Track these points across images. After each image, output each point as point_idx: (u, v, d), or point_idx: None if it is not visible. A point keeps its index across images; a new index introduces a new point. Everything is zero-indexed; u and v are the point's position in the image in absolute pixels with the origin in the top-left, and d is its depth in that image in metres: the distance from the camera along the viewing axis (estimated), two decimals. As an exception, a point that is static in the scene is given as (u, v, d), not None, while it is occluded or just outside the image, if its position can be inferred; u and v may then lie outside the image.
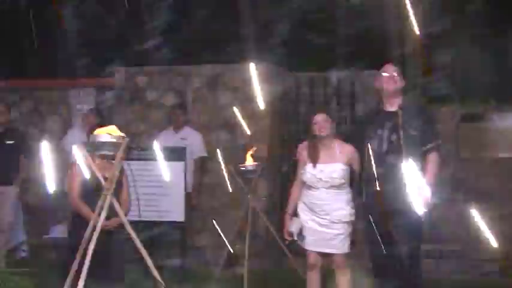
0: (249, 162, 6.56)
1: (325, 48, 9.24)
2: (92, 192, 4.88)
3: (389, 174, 4.79)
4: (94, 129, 5.34)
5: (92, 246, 4.32)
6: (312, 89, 8.25)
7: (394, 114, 4.92)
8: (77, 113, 8.67)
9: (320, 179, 5.08)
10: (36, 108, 8.98)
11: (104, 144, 4.60)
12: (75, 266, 4.40)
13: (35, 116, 8.98)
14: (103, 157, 4.75)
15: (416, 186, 4.49)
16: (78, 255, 4.42)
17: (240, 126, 7.92)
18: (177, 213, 6.97)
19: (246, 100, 7.97)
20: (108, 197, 4.53)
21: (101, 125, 5.12)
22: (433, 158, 4.83)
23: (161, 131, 7.87)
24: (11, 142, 7.48)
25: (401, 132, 4.82)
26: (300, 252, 5.70)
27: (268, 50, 9.01)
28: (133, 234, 4.52)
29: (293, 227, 5.22)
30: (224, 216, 7.59)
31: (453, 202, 9.01)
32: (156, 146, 6.46)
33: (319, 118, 5.13)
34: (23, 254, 7.87)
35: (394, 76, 4.97)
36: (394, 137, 4.83)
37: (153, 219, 6.77)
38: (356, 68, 8.24)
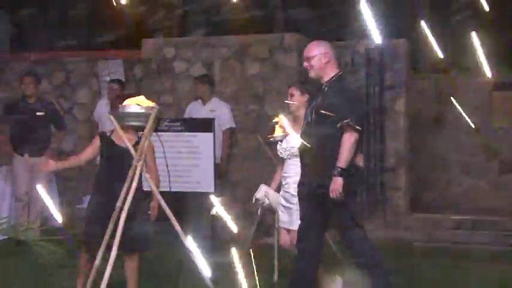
0: (278, 133, 6.54)
1: (351, 17, 9.12)
2: (117, 162, 4.90)
3: (304, 155, 4.71)
4: (119, 100, 5.36)
5: (123, 216, 4.38)
6: (340, 59, 8.17)
7: (320, 92, 4.79)
8: (105, 85, 8.74)
9: (285, 149, 5.11)
10: (66, 80, 9.07)
11: (132, 114, 4.61)
12: (105, 237, 4.47)
13: (66, 88, 9.07)
14: (130, 128, 4.78)
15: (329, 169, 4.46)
16: (110, 225, 4.49)
17: (269, 97, 7.93)
18: (206, 184, 7.01)
19: (274, 71, 7.95)
20: (138, 167, 4.56)
21: (128, 96, 5.15)
22: (344, 138, 4.52)
23: (189, 103, 7.89)
24: (41, 114, 7.57)
25: (316, 112, 4.65)
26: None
27: (296, 20, 8.94)
28: (164, 205, 4.56)
29: (258, 194, 5.38)
30: (253, 187, 7.61)
31: (486, 172, 8.96)
32: (185, 117, 6.53)
33: (289, 91, 5.15)
34: (56, 223, 8.00)
35: (310, 57, 4.72)
36: (310, 117, 4.70)
37: (183, 190, 6.82)
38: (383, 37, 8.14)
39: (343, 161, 4.45)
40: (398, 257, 6.75)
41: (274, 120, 5.89)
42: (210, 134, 7.10)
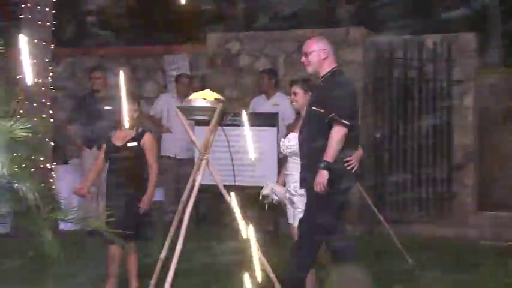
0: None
1: (421, 11, 8.95)
2: (120, 162, 5.15)
3: (301, 151, 4.75)
4: (187, 94, 5.42)
5: (189, 208, 4.43)
6: (406, 53, 8.03)
7: (316, 88, 4.81)
8: (171, 79, 8.84)
9: (286, 146, 5.07)
10: (133, 75, 9.24)
11: (198, 109, 4.65)
12: (173, 227, 4.53)
13: (133, 82, 9.23)
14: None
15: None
16: (177, 216, 4.55)
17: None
18: (270, 178, 7.00)
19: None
20: (204, 162, 4.60)
21: (195, 90, 5.20)
22: (332, 132, 4.49)
23: (253, 97, 7.91)
24: (109, 108, 7.74)
25: (310, 108, 4.67)
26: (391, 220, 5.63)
27: (361, 14, 8.83)
28: (228, 198, 4.58)
29: (264, 190, 5.37)
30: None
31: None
32: (249, 112, 6.50)
33: (292, 89, 5.11)
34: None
35: (308, 52, 4.70)
36: (306, 114, 4.72)
37: (246, 184, 6.84)
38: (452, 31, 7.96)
39: (329, 155, 4.46)
40: (465, 255, 6.62)
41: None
42: (274, 129, 7.11)
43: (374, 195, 7.43)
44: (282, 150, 5.23)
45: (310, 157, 4.60)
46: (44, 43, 7.27)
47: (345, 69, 7.68)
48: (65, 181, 7.76)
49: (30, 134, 3.77)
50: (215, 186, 4.67)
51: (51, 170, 7.22)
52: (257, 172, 7.05)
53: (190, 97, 4.78)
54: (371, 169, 7.65)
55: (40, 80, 7.17)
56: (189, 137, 4.99)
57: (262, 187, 6.98)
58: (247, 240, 4.44)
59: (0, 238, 6.29)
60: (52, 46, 7.38)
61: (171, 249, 4.44)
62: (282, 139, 5.28)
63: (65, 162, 8.42)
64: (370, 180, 7.33)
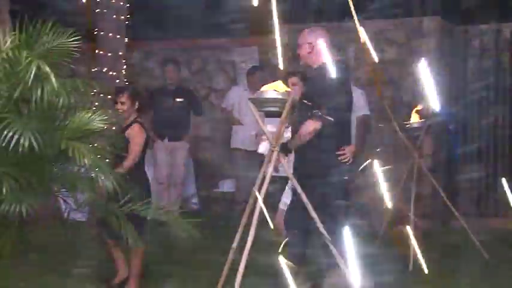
0: (415, 119, 6.37)
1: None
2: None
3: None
4: (258, 86, 5.44)
5: (261, 199, 4.45)
6: (482, 43, 7.82)
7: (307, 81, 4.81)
8: (241, 71, 8.89)
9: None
10: (204, 67, 9.34)
11: (269, 100, 4.66)
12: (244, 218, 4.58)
13: (203, 75, 9.34)
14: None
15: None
16: (248, 207, 4.59)
17: (405, 83, 7.74)
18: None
19: (411, 56, 7.74)
20: (275, 153, 4.61)
21: (266, 82, 5.21)
22: (307, 123, 4.53)
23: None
24: (181, 100, 7.88)
25: (300, 101, 4.64)
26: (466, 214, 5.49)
27: (436, 3, 8.62)
28: (299, 189, 4.58)
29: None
30: (388, 175, 7.48)
31: None
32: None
33: (289, 81, 5.16)
34: (194, 206, 8.32)
35: (299, 44, 4.77)
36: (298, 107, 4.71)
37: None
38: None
39: (294, 141, 4.57)
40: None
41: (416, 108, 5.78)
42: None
43: (449, 188, 7.28)
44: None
45: (301, 150, 4.64)
46: (118, 36, 7.44)
47: (416, 60, 7.61)
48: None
49: (107, 126, 3.92)
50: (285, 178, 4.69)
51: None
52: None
53: (262, 89, 4.79)
54: (443, 161, 7.50)
55: (115, 73, 7.35)
56: (261, 129, 5.01)
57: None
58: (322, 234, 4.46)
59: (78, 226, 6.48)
60: (126, 39, 7.54)
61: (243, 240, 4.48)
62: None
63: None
64: (442, 173, 7.18)
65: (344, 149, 4.69)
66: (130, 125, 5.29)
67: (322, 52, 4.65)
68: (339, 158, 4.68)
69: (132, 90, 5.44)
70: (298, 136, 4.55)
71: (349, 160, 4.70)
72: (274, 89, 4.63)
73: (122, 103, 5.29)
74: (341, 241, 4.42)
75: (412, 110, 6.48)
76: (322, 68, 4.66)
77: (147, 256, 5.27)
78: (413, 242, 5.67)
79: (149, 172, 8.19)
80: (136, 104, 5.35)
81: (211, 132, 9.03)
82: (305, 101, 4.58)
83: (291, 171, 4.75)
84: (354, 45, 8.05)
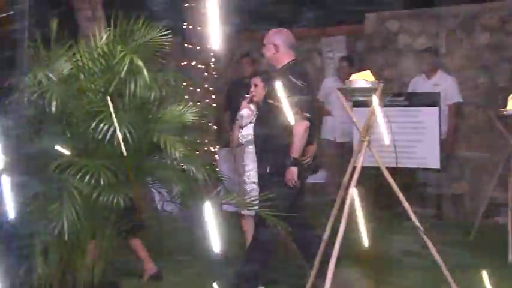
0: (511, 106, 6.12)
1: None
2: None
3: (256, 144, 4.78)
4: (348, 76, 5.36)
5: (351, 190, 4.40)
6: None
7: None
8: (328, 61, 8.81)
9: (243, 136, 5.14)
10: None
11: (358, 90, 4.60)
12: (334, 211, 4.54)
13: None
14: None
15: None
16: (338, 198, 4.55)
17: (499, 69, 7.46)
18: (432, 160, 6.80)
19: (506, 40, 7.45)
20: (365, 143, 4.55)
21: (354, 72, 5.14)
22: (295, 129, 4.41)
23: (412, 77, 7.70)
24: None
25: (264, 100, 4.61)
26: None
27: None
28: (390, 180, 4.51)
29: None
30: (482, 164, 7.26)
31: None
32: (410, 92, 6.34)
33: (252, 81, 5.17)
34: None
35: (264, 44, 4.75)
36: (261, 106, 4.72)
37: (408, 166, 6.69)
38: None
39: (295, 151, 4.53)
40: None
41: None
42: (436, 109, 6.86)
43: None
44: (239, 140, 5.27)
45: (264, 151, 4.64)
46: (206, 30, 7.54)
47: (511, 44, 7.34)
48: (226, 164, 8.01)
49: (197, 119, 3.99)
50: (375, 168, 4.61)
51: (215, 153, 7.49)
52: (418, 153, 6.87)
53: (351, 78, 4.73)
54: None
55: (203, 66, 7.46)
56: (350, 119, 4.95)
57: (424, 169, 6.83)
58: (414, 224, 4.37)
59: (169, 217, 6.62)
60: (215, 32, 7.62)
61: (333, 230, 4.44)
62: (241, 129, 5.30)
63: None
64: None
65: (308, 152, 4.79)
66: None
67: (286, 53, 4.74)
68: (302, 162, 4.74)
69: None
70: (296, 142, 4.54)
71: (309, 161, 4.80)
72: (363, 79, 4.56)
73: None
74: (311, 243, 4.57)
75: (508, 97, 6.23)
76: (286, 69, 4.71)
77: (240, 248, 5.32)
78: (510, 233, 5.48)
79: (224, 168, 8.30)
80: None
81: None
82: (269, 101, 4.57)
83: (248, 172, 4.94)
84: (445, 30, 7.83)
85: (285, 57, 4.75)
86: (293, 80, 4.62)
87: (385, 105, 6.29)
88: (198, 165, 3.72)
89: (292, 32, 7.19)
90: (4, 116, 3.51)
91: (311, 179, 8.68)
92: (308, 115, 4.55)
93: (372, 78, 4.60)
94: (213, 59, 7.65)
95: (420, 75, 7.57)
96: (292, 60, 4.77)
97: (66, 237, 3.29)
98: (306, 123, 4.56)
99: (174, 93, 3.92)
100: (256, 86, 5.16)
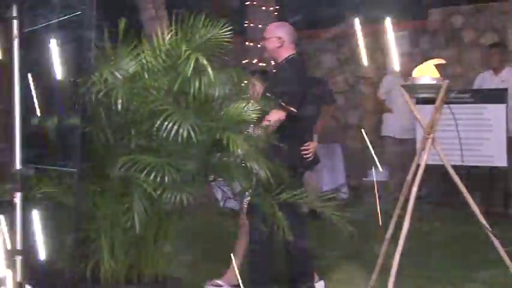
0: None
1: None
2: None
3: None
4: (409, 72, 5.25)
5: (415, 188, 4.33)
6: None
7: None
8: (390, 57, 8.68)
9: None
10: (352, 55, 9.22)
11: (423, 86, 4.52)
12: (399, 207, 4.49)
13: (352, 62, 9.24)
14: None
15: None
16: (401, 196, 4.48)
17: None
18: (499, 158, 6.65)
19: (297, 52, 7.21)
20: (429, 141, 4.47)
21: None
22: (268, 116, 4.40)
23: (478, 73, 7.53)
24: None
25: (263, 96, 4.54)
26: None
27: None
28: (455, 178, 4.42)
29: None
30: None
31: None
32: (475, 89, 6.17)
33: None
34: (344, 196, 8.27)
35: (266, 38, 4.78)
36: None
37: (473, 164, 6.55)
38: None
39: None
40: None
41: None
42: (503, 106, 6.72)
43: None
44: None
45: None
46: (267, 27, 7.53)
47: None
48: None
49: (260, 116, 3.98)
50: (439, 166, 4.52)
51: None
52: (484, 151, 6.72)
53: (414, 74, 4.65)
54: None
55: (264, 64, 7.46)
56: (413, 116, 4.88)
57: (491, 167, 6.66)
58: (481, 224, 4.27)
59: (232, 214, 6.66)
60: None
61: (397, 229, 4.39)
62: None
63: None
64: None
65: (308, 144, 4.75)
66: None
67: (289, 47, 4.74)
68: (302, 154, 4.72)
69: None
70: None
71: (310, 156, 4.75)
72: (427, 75, 4.48)
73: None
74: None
75: None
76: (289, 62, 4.72)
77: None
78: None
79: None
80: None
81: (359, 121, 8.94)
82: (268, 94, 4.54)
83: None
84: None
85: (287, 51, 4.78)
86: (294, 73, 4.71)
87: (450, 102, 6.18)
88: (261, 163, 3.71)
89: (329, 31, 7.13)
90: (71, 114, 3.59)
91: (375, 177, 8.62)
92: (294, 110, 4.53)
93: (437, 75, 4.52)
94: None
95: (486, 71, 7.39)
96: (292, 54, 4.79)
97: (137, 231, 3.34)
98: (281, 114, 4.53)
99: (237, 90, 3.93)
100: (254, 85, 5.15)
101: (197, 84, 3.47)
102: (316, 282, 4.85)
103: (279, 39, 4.78)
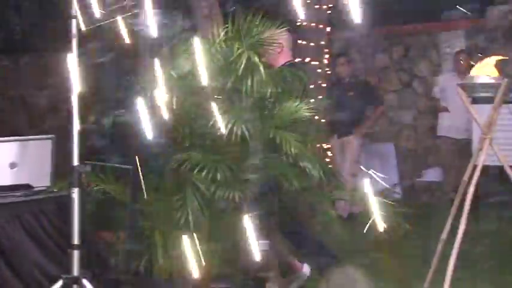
0: None
1: None
2: None
3: None
4: (465, 71, 5.17)
5: (471, 189, 4.25)
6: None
7: None
8: (446, 57, 8.54)
9: None
10: (405, 53, 9.11)
11: (481, 86, 4.42)
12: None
13: (405, 61, 9.11)
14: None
15: None
16: (457, 197, 4.40)
17: None
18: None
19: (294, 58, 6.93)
20: (487, 141, 4.37)
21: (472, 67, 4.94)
22: None
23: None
24: (352, 94, 7.59)
25: None
26: None
27: None
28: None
29: None
30: None
31: None
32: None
33: None
34: (397, 196, 8.16)
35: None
36: None
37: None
38: None
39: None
40: None
41: None
42: None
43: None
44: None
45: None
46: (320, 26, 7.50)
47: None
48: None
49: (313, 115, 3.97)
50: (495, 167, 4.42)
51: (327, 149, 7.41)
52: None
53: (472, 73, 4.55)
54: None
55: (317, 63, 7.41)
56: (470, 116, 4.78)
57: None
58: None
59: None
60: (328, 29, 7.58)
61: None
62: None
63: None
64: None
65: None
66: None
67: (287, 53, 4.70)
68: None
69: None
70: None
71: None
72: (486, 74, 4.38)
73: None
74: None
75: None
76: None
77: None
78: None
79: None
80: None
81: (414, 120, 8.81)
82: None
83: None
84: None
85: (284, 57, 4.70)
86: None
87: (509, 102, 6.03)
88: (314, 162, 3.70)
89: (408, 27, 7.08)
90: (127, 113, 3.66)
91: (424, 177, 8.48)
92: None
93: (496, 74, 4.41)
94: (326, 56, 7.59)
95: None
96: (289, 61, 4.74)
97: (191, 228, 3.38)
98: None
99: (290, 89, 3.92)
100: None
101: (249, 82, 3.48)
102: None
103: (278, 45, 4.63)
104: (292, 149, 3.59)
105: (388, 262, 5.49)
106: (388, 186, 8.06)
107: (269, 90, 3.63)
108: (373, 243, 5.92)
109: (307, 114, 3.87)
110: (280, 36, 4.69)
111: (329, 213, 3.86)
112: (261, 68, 3.47)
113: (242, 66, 3.44)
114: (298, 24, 7.73)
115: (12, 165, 3.98)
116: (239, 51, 3.46)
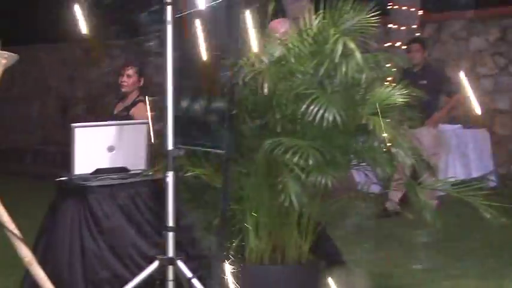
0: None
1: None
2: None
3: None
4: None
5: None
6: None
7: None
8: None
9: None
10: (503, 37, 8.78)
11: None
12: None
13: (502, 45, 8.79)
14: None
15: None
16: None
17: None
18: None
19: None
20: None
21: None
22: None
23: None
24: (424, 82, 7.23)
25: None
26: None
27: None
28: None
29: None
30: None
31: None
32: None
33: None
34: (492, 184, 7.89)
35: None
36: None
37: None
38: None
39: None
40: None
41: None
42: None
43: None
44: None
45: None
46: (412, 9, 7.34)
47: None
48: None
49: (406, 100, 3.88)
50: None
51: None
52: None
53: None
54: None
55: (407, 47, 7.25)
56: None
57: None
58: None
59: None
60: (420, 12, 7.40)
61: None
62: None
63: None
64: None
65: None
66: (134, 103, 5.14)
67: None
68: None
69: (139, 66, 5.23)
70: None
71: None
72: None
73: (128, 76, 5.14)
74: None
75: None
76: None
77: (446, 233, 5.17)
78: None
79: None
80: (142, 80, 5.15)
81: (510, 105, 8.50)
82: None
83: None
84: None
85: None
86: None
87: None
88: (406, 149, 3.63)
89: (504, 9, 6.70)
90: (220, 98, 3.70)
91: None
92: None
93: None
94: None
95: None
96: None
97: (296, 210, 3.42)
98: None
99: (383, 74, 3.86)
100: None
101: (344, 68, 3.45)
102: None
103: (284, 34, 4.59)
104: (385, 135, 3.53)
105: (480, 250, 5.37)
106: (484, 173, 7.86)
107: (364, 76, 3.58)
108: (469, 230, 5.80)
109: (400, 100, 3.80)
110: (284, 27, 4.53)
111: (421, 199, 3.77)
112: (357, 53, 3.42)
113: (339, 52, 3.40)
114: (389, 7, 7.60)
115: (110, 149, 4.13)
116: (335, 36, 3.42)
